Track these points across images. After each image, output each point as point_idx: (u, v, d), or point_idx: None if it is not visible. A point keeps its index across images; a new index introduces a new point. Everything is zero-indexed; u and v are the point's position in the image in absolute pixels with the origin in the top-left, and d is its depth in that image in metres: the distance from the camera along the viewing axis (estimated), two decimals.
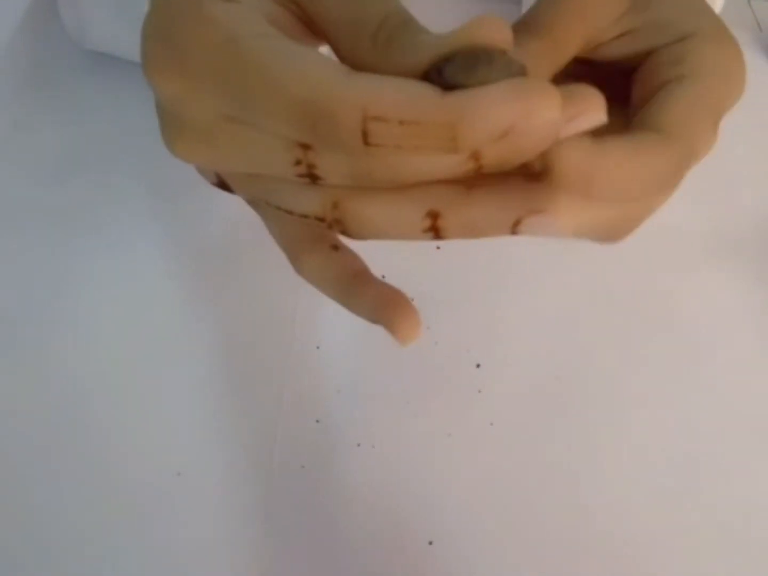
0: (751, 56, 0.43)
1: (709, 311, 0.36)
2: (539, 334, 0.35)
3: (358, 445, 0.33)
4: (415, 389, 0.34)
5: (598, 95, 0.19)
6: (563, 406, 0.34)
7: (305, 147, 0.20)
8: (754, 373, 0.35)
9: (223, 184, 0.25)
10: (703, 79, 0.22)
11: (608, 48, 0.24)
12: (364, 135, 0.18)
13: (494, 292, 0.36)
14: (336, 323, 0.35)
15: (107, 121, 0.41)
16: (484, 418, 0.34)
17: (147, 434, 0.33)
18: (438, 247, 0.37)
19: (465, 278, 0.36)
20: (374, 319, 0.23)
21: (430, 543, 0.31)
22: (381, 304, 0.23)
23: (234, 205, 0.38)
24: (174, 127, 0.23)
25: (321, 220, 0.22)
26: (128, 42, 0.35)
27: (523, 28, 0.23)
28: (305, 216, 0.22)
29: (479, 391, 0.34)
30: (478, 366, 0.35)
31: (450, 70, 0.18)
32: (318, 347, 0.35)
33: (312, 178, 0.21)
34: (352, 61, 0.22)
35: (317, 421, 0.34)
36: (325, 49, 0.28)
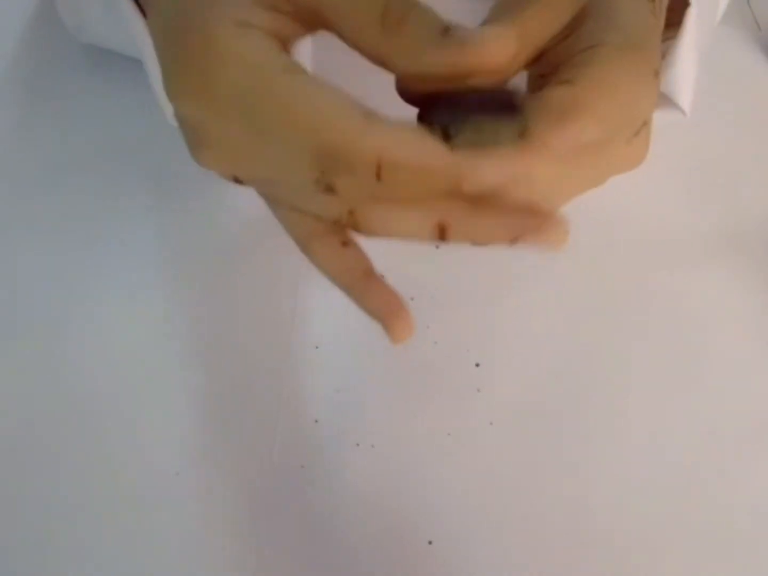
0: (750, 56, 0.43)
1: (711, 311, 0.36)
2: (539, 334, 0.35)
3: (358, 444, 0.33)
4: (415, 389, 0.34)
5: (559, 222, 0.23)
6: (563, 405, 0.34)
7: (324, 171, 0.22)
8: (755, 373, 0.35)
9: (238, 180, 0.25)
10: (582, 87, 0.23)
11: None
12: (378, 174, 0.21)
13: (494, 292, 0.36)
14: (335, 323, 0.35)
15: (107, 121, 0.41)
16: (484, 418, 0.34)
17: (146, 434, 0.33)
18: (437, 247, 0.37)
19: (465, 278, 0.36)
20: (372, 315, 0.25)
21: (430, 543, 0.31)
22: (380, 303, 0.25)
23: (233, 206, 0.38)
24: (197, 141, 0.24)
25: (336, 221, 0.24)
26: (121, 37, 0.36)
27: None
28: (320, 216, 0.24)
29: (478, 391, 0.34)
30: (477, 365, 0.35)
31: (455, 129, 0.22)
32: (317, 347, 0.35)
33: (330, 190, 0.22)
34: (360, 45, 0.23)
35: (316, 421, 0.34)
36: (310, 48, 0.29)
